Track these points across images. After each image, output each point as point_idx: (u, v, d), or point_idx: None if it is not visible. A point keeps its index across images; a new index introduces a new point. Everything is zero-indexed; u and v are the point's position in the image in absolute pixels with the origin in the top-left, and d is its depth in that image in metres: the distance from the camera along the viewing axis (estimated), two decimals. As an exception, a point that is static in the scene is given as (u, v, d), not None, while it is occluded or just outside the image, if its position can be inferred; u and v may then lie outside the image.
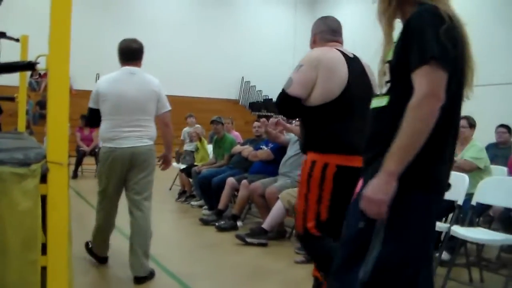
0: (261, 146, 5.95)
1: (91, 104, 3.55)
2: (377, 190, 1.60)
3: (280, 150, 5.53)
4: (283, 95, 2.68)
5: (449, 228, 3.65)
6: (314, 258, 2.86)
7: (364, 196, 1.64)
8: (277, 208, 4.80)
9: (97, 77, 16.02)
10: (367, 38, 17.83)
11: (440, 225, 3.82)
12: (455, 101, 1.70)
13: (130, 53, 3.57)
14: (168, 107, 3.67)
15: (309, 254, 3.07)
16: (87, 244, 3.93)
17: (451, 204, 3.98)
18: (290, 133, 5.10)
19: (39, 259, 2.36)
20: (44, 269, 2.40)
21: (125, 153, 3.43)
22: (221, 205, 5.78)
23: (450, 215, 4.18)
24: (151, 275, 3.54)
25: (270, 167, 5.58)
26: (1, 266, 2.35)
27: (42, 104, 14.30)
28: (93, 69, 15.48)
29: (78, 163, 9.89)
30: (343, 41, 2.91)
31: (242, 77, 21.07)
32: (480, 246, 4.02)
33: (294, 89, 2.62)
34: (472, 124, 4.80)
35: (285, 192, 4.80)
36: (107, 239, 3.81)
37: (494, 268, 4.11)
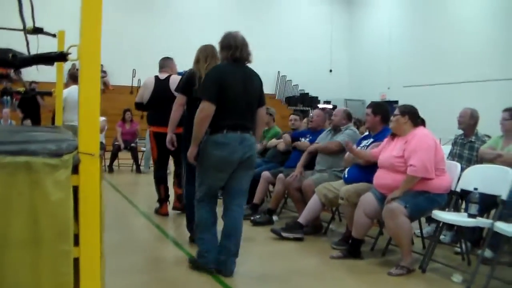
0: (300, 138, 5.86)
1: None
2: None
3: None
4: (135, 102, 5.73)
5: (492, 224, 3.50)
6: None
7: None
8: (313, 202, 4.71)
9: (134, 72, 16.22)
10: (403, 31, 17.43)
11: (483, 221, 3.66)
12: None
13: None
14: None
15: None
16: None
17: (494, 199, 3.82)
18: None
19: (72, 250, 2.36)
20: (76, 260, 2.40)
21: None
22: (256, 200, 5.73)
23: (493, 211, 4.01)
24: None
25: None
26: (34, 256, 2.35)
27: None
28: (130, 65, 15.71)
29: (113, 157, 9.73)
30: (173, 66, 5.82)
31: (278, 72, 20.97)
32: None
33: (137, 99, 5.69)
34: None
35: (321, 185, 4.69)
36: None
37: (541, 267, 3.90)
